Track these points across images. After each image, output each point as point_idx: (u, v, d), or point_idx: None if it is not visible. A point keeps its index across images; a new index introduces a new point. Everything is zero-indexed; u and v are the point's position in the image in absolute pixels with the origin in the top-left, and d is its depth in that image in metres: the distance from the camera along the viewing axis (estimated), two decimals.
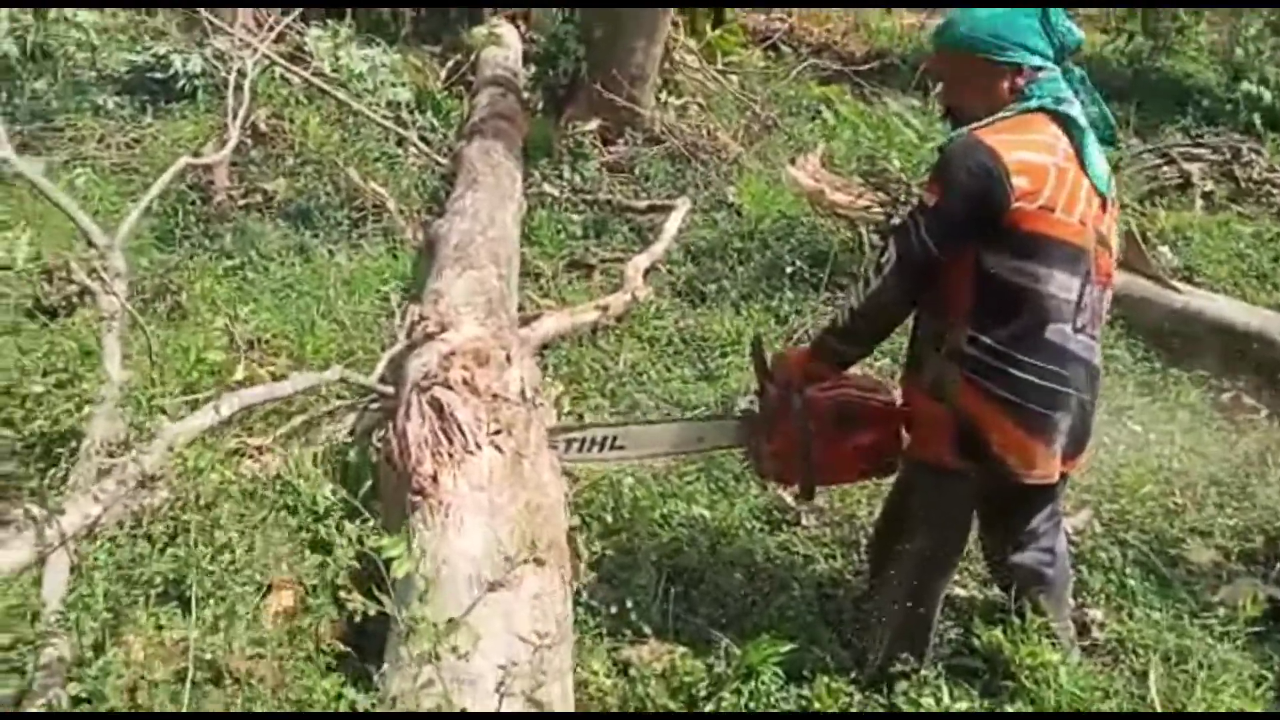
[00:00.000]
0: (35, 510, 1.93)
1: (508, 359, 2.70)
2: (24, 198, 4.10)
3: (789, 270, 4.47)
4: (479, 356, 2.68)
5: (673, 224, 4.66)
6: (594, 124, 5.48)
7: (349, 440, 2.92)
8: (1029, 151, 2.18)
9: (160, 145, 4.99)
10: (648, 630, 2.62)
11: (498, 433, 2.45)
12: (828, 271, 4.40)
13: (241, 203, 4.57)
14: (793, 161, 5.63)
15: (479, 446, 2.40)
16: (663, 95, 5.97)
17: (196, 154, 4.43)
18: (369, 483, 2.66)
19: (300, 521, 2.58)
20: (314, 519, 2.56)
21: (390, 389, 2.89)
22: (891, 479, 2.62)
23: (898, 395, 2.55)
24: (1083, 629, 2.78)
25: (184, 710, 2.01)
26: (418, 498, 2.31)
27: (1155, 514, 3.21)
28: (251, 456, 2.66)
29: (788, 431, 2.48)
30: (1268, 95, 6.66)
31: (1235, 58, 7.08)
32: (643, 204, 4.99)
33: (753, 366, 2.67)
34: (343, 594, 2.03)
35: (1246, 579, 3.00)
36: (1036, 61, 2.26)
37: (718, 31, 7.30)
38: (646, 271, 4.35)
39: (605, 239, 4.80)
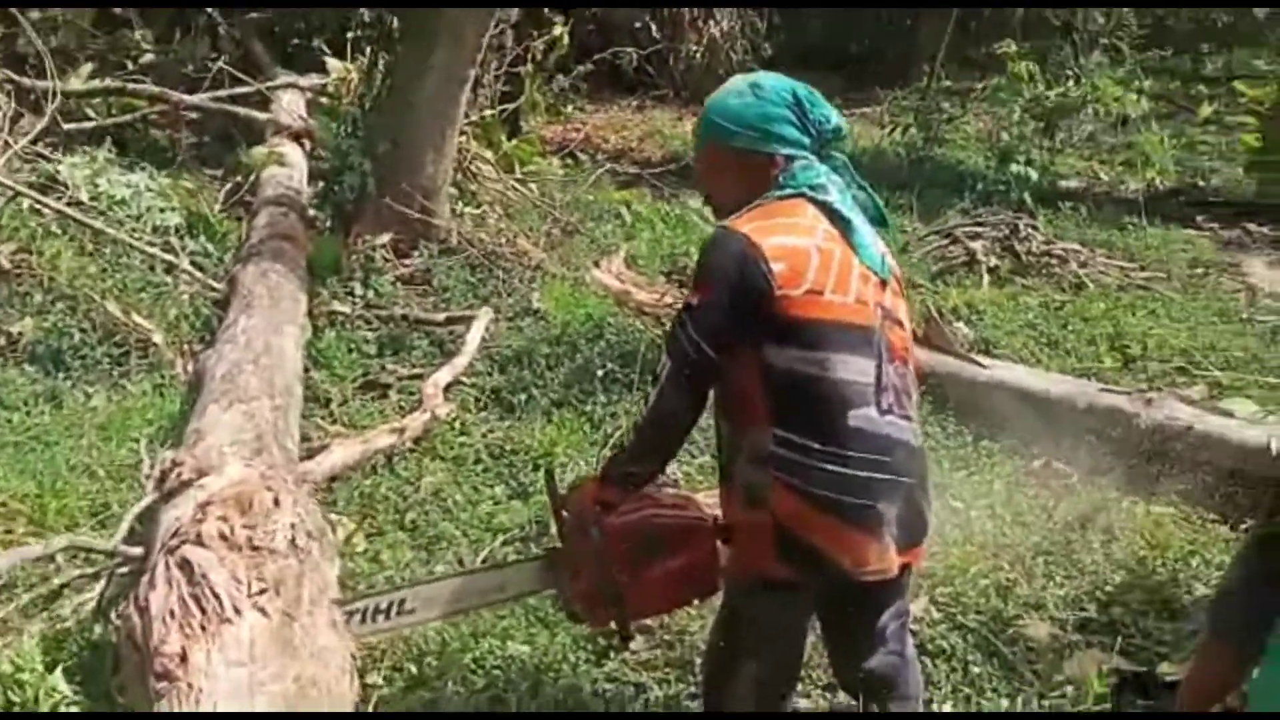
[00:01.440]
0: None
1: (275, 502, 2.36)
2: None
3: (600, 373, 4.31)
4: (240, 503, 2.33)
5: (475, 334, 4.43)
6: (385, 237, 5.24)
7: (89, 618, 2.48)
8: (785, 236, 2.07)
9: None
10: None
11: (261, 592, 2.10)
12: (638, 370, 4.26)
13: None
14: (596, 265, 5.56)
15: (237, 612, 2.04)
16: (459, 205, 5.80)
17: None
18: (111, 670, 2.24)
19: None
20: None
21: (138, 550, 2.49)
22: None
23: (709, 506, 2.36)
24: None
25: None
26: (163, 683, 1.92)
27: (988, 592, 3.11)
28: None
29: (590, 570, 2.24)
30: (1034, 174, 7.09)
31: (1002, 143, 7.55)
32: (441, 316, 4.75)
33: (548, 502, 2.45)
34: None
35: (1089, 652, 2.92)
36: (788, 151, 2.17)
37: (514, 142, 7.26)
38: (448, 387, 4.08)
39: (402, 355, 4.52)
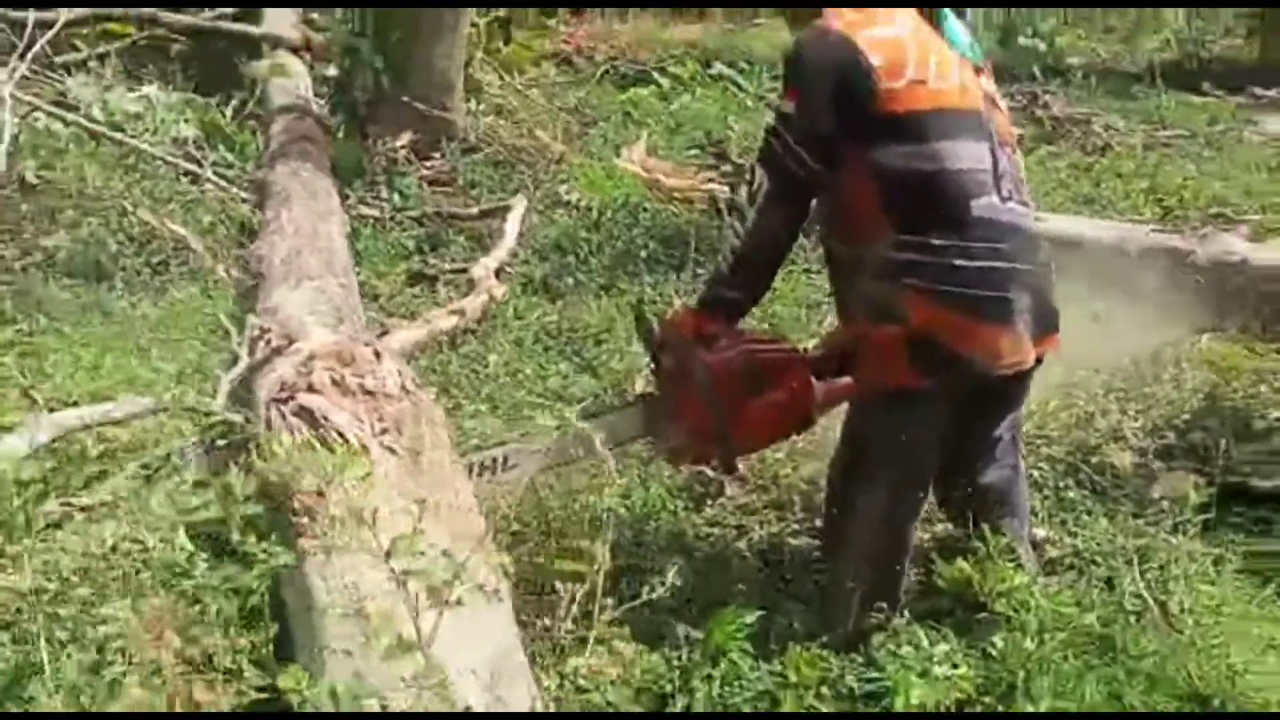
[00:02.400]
0: None
1: (376, 355, 2.32)
2: None
3: (643, 254, 4.27)
4: (342, 357, 2.29)
5: (514, 223, 4.38)
6: (405, 138, 5.13)
7: (197, 483, 2.44)
8: (878, 28, 2.01)
9: None
10: (588, 636, 2.29)
11: (384, 432, 2.07)
12: (679, 251, 4.23)
13: (18, 263, 3.96)
14: (618, 154, 5.48)
15: (365, 449, 2.02)
16: (471, 104, 5.69)
17: None
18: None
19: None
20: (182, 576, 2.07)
21: (239, 416, 2.45)
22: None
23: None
24: (1034, 549, 2.63)
25: None
26: (303, 520, 1.90)
27: (1068, 425, 3.12)
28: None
29: (695, 404, 2.22)
30: (1043, 46, 7.01)
31: (1009, 19, 7.44)
32: (474, 210, 4.67)
33: (639, 340, 2.41)
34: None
35: (1176, 472, 2.94)
36: None
37: (510, 46, 7.10)
38: (497, 272, 4.02)
39: (440, 251, 4.46)
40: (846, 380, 2.40)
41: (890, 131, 1.99)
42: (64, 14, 6.25)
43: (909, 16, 2.06)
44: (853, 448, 2.26)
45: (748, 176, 2.16)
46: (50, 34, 4.92)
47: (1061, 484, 2.88)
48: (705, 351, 2.21)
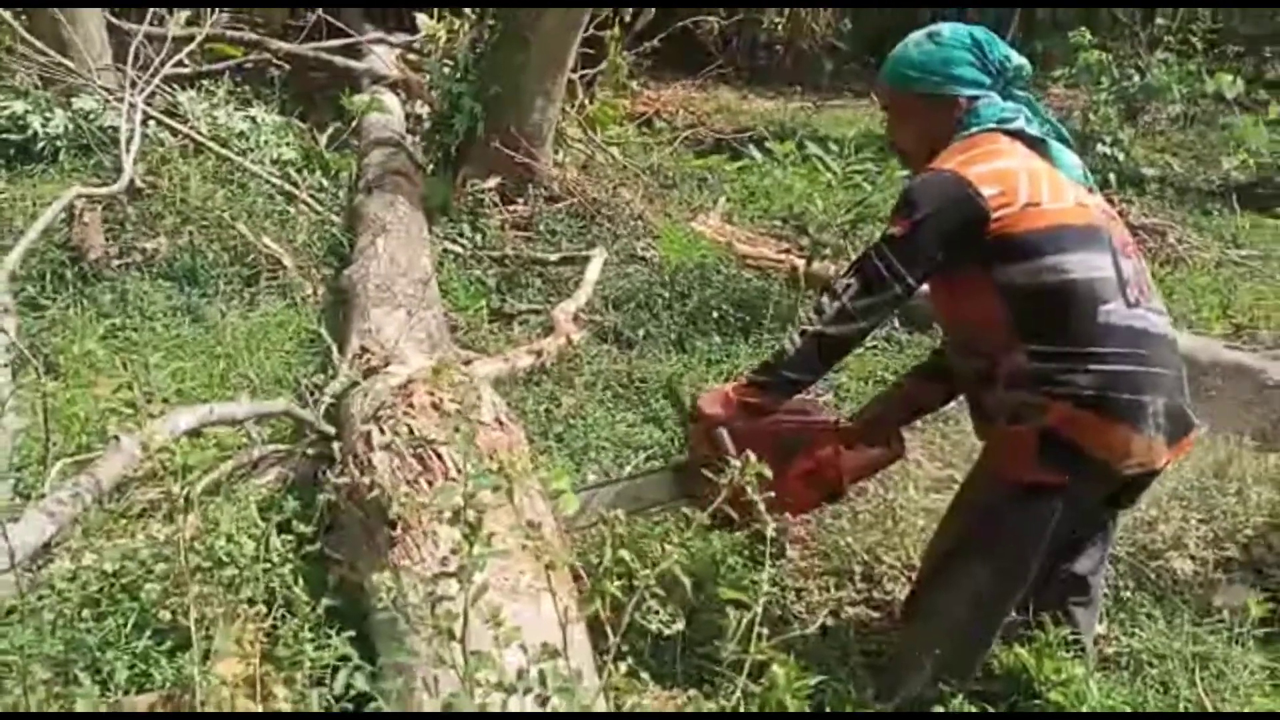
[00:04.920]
0: None
1: (471, 382, 2.42)
2: None
3: (714, 315, 4.36)
4: (439, 382, 2.38)
5: (593, 271, 4.48)
6: (493, 182, 5.29)
7: (283, 488, 2.54)
8: (988, 162, 2.14)
9: (19, 209, 4.50)
10: (645, 675, 2.33)
11: (466, 453, 2.15)
12: (751, 317, 4.32)
13: (118, 262, 4.12)
14: (694, 218, 5.61)
15: (459, 470, 2.09)
16: (557, 155, 5.86)
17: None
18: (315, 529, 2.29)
19: (243, 575, 2.18)
20: (264, 571, 2.15)
21: (330, 429, 2.55)
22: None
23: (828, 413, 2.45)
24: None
25: None
26: (395, 531, 1.98)
27: (1132, 527, 3.13)
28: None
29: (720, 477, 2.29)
30: (1120, 156, 7.08)
31: (1087, 127, 7.53)
32: (555, 256, 4.79)
33: (674, 411, 2.48)
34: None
35: (1236, 585, 2.94)
36: (971, 92, 2.25)
37: (595, 104, 7.31)
38: (574, 317, 4.13)
39: (518, 292, 4.57)
40: (879, 451, 2.50)
41: (1011, 253, 2.09)
42: (176, 27, 6.62)
43: (1018, 150, 2.19)
44: (963, 528, 2.28)
45: (839, 276, 2.24)
46: (184, 51, 5.16)
47: (1121, 584, 2.89)
48: (738, 422, 2.29)
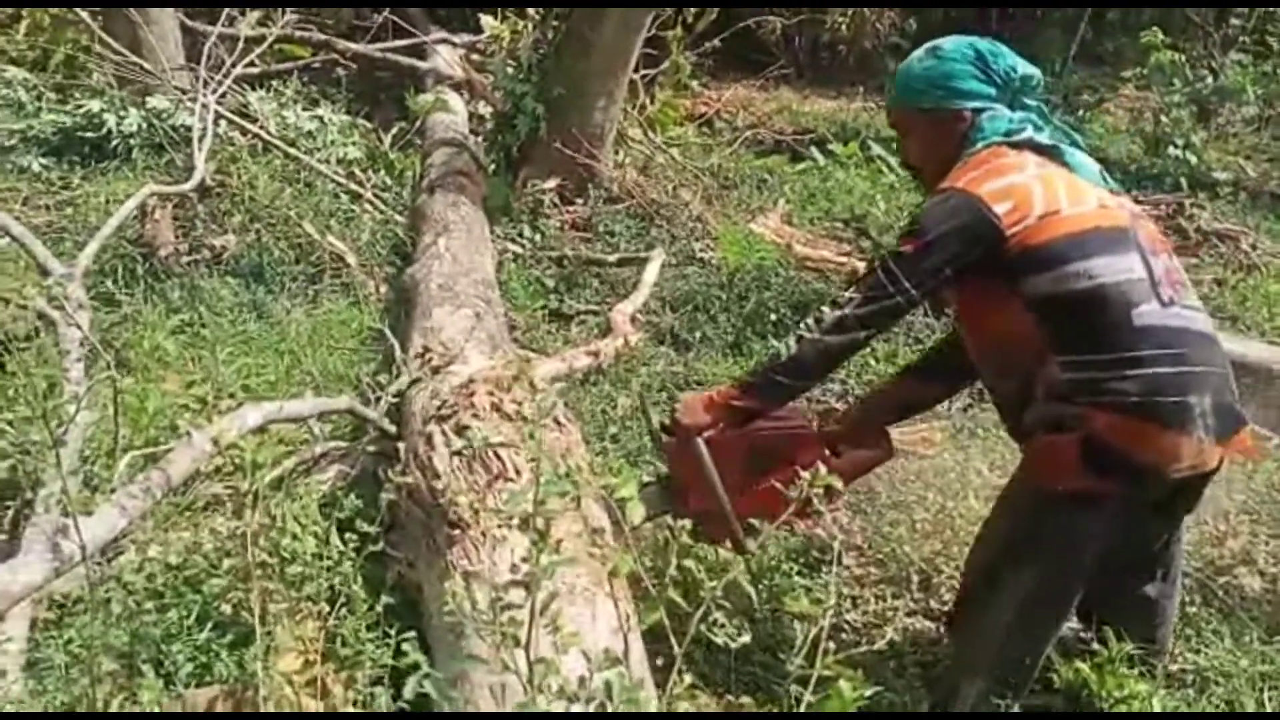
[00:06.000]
0: (53, 521, 1.56)
1: (531, 385, 2.43)
2: None
3: (772, 318, 4.34)
4: (501, 383, 2.41)
5: (651, 272, 4.49)
6: (552, 183, 5.32)
7: (343, 485, 2.58)
8: (998, 178, 2.11)
9: (93, 206, 4.63)
10: (699, 683, 2.33)
11: (536, 460, 2.17)
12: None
13: (187, 259, 4.22)
14: (753, 219, 5.59)
15: (518, 473, 2.12)
16: (618, 156, 5.87)
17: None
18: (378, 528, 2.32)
19: (305, 573, 2.22)
20: (327, 569, 2.19)
21: (392, 428, 2.59)
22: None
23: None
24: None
25: None
26: (455, 531, 2.00)
27: (1200, 542, 3.06)
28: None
29: (699, 485, 2.25)
30: (1193, 159, 6.91)
31: (1159, 128, 7.36)
32: (613, 257, 4.81)
33: (646, 425, 2.45)
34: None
35: None
36: (975, 104, 2.22)
37: (656, 105, 7.31)
38: (632, 319, 4.13)
39: (576, 292, 4.59)
40: (867, 454, 2.45)
41: (1034, 264, 2.05)
42: (247, 28, 6.75)
43: (1028, 161, 2.16)
44: (1007, 537, 2.23)
45: (845, 293, 2.21)
46: (256, 52, 5.27)
47: (1188, 599, 2.82)
48: (716, 433, 2.27)
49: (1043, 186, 2.09)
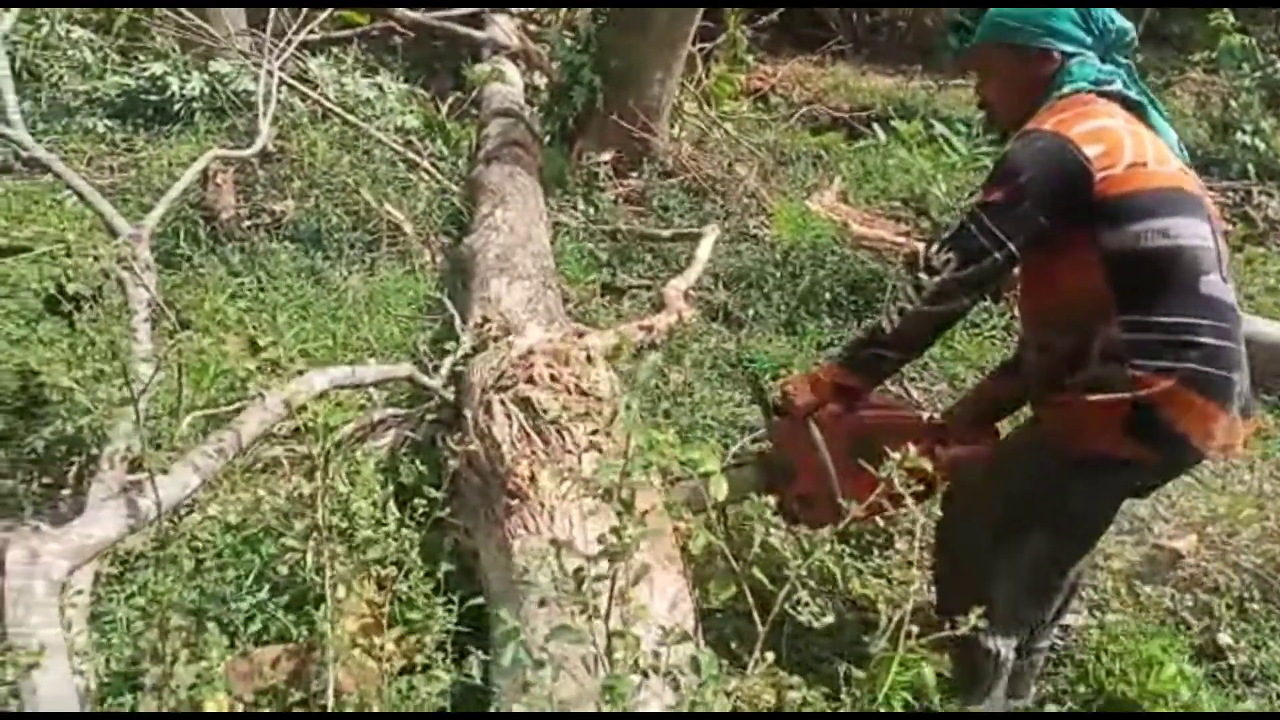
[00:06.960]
0: (118, 478, 1.60)
1: (588, 358, 2.44)
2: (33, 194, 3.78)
3: (827, 297, 4.30)
4: (559, 355, 2.42)
5: (705, 248, 4.46)
6: (608, 155, 5.30)
7: (401, 451, 2.61)
8: (1089, 121, 2.04)
9: (156, 169, 4.70)
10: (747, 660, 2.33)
11: (594, 432, 2.18)
12: (863, 299, 4.26)
13: (248, 223, 4.28)
14: (809, 196, 5.53)
15: (577, 445, 2.13)
16: (673, 129, 5.84)
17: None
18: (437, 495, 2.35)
19: (369, 536, 2.24)
20: (388, 534, 2.21)
21: (451, 396, 2.61)
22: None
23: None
24: (1217, 652, 2.56)
25: None
26: (514, 501, 2.02)
27: (1260, 538, 3.01)
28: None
29: (808, 468, 2.21)
30: (1262, 145, 6.73)
31: (1228, 113, 7.18)
32: (667, 232, 4.79)
33: (758, 404, 2.42)
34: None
35: None
36: (1068, 48, 2.15)
37: (712, 79, 7.26)
38: (685, 294, 4.12)
39: (629, 266, 4.59)
40: (974, 448, 2.36)
41: (1115, 214, 1.98)
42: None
43: (1117, 111, 2.10)
44: (1017, 498, 2.15)
45: (934, 250, 2.15)
46: (319, 19, 5.29)
47: (1247, 595, 2.78)
48: (824, 415, 2.23)
49: (1132, 136, 2.03)
